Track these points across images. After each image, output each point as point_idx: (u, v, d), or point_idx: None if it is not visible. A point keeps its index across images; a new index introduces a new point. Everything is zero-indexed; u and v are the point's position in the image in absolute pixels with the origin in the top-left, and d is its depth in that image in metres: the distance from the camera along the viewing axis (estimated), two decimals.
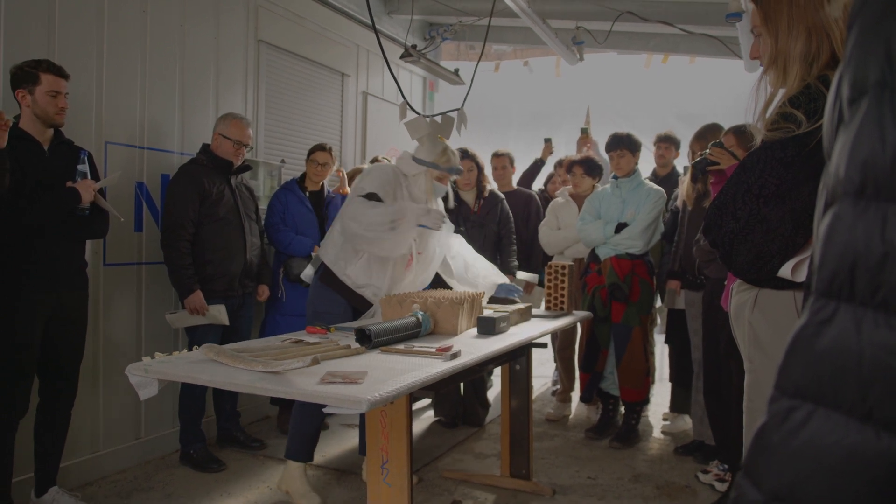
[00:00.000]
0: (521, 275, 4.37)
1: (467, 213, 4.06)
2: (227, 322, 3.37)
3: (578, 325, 4.14)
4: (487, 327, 2.53)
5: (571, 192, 4.44)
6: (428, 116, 4.79)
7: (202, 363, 1.93)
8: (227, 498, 3.02)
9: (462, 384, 4.13)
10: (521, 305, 3.07)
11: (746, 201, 1.53)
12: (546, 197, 5.03)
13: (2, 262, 2.53)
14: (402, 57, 4.88)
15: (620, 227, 3.80)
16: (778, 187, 1.49)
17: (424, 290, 3.05)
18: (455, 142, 4.65)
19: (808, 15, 1.50)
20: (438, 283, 3.39)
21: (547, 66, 7.02)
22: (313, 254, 3.60)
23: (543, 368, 5.56)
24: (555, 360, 4.73)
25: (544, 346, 3.16)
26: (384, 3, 5.45)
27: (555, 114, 8.32)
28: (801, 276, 1.47)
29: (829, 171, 0.65)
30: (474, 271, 3.20)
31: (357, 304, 2.91)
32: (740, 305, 1.69)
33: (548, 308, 3.26)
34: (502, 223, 4.10)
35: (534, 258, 4.54)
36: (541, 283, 4.46)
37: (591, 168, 4.33)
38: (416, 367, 1.91)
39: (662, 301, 4.03)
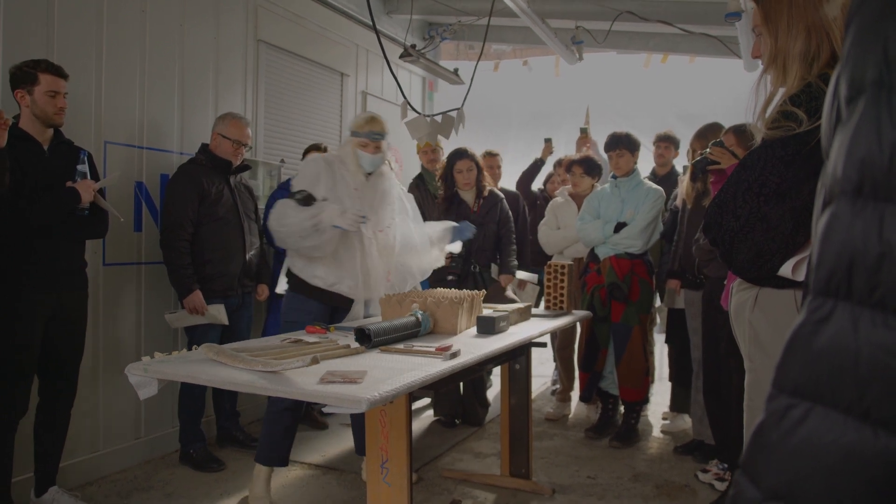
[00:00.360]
0: (521, 274, 4.37)
1: (467, 213, 4.06)
2: (226, 322, 3.37)
3: (578, 324, 4.14)
4: (487, 327, 2.53)
5: (571, 192, 4.44)
6: (428, 116, 4.80)
7: (202, 363, 1.93)
8: (226, 497, 3.02)
9: (461, 384, 4.13)
10: (520, 305, 3.07)
11: (747, 200, 1.53)
12: (545, 196, 5.03)
13: (2, 263, 2.53)
14: (401, 56, 4.88)
15: (620, 227, 3.80)
16: (778, 186, 1.49)
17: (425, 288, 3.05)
18: (454, 141, 4.67)
19: (808, 14, 1.50)
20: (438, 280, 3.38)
21: (546, 65, 7.02)
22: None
23: (543, 368, 5.57)
24: (554, 360, 4.73)
25: (544, 345, 3.16)
26: (383, 3, 5.45)
27: (554, 113, 8.33)
28: (802, 275, 1.47)
29: (826, 170, 0.65)
30: (426, 231, 3.16)
31: (337, 303, 2.89)
32: (741, 304, 1.70)
33: (547, 307, 3.26)
34: (502, 223, 4.10)
35: (524, 257, 4.54)
36: (539, 283, 4.47)
37: (590, 168, 4.34)
38: (416, 366, 1.91)
39: (662, 300, 4.03)
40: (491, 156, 4.76)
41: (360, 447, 3.17)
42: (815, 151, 1.42)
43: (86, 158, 2.75)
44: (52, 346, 2.68)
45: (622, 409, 3.99)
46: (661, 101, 8.12)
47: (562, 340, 4.51)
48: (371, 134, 2.86)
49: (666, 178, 4.33)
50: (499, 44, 6.46)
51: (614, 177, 3.95)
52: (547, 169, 5.38)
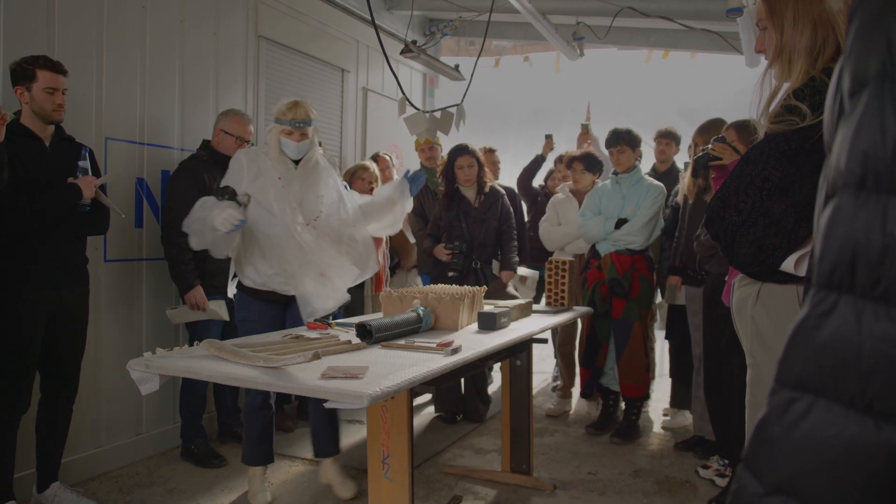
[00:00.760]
0: (522, 270, 4.37)
1: (468, 209, 4.06)
2: (227, 317, 3.37)
3: (579, 320, 4.14)
4: (488, 323, 2.53)
5: (572, 188, 4.43)
6: (427, 112, 4.80)
7: (203, 359, 1.94)
8: (228, 493, 3.03)
9: (462, 380, 4.13)
10: (521, 301, 3.07)
11: (749, 194, 1.52)
12: (546, 193, 5.02)
13: (4, 259, 2.53)
14: (402, 53, 4.88)
15: (621, 223, 3.80)
16: (781, 180, 1.48)
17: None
18: (455, 137, 4.67)
19: (814, 8, 1.50)
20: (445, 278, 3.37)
21: (547, 61, 7.01)
22: None
23: (544, 364, 5.57)
24: (555, 356, 4.73)
25: (545, 341, 3.16)
26: None
27: (555, 109, 8.32)
28: (804, 270, 1.47)
29: (829, 164, 0.65)
30: (370, 200, 3.04)
31: (281, 299, 2.83)
32: (743, 300, 1.69)
33: (548, 304, 3.26)
34: (503, 219, 4.10)
35: (522, 252, 4.53)
36: (540, 278, 4.47)
37: (591, 164, 4.33)
38: (417, 362, 1.91)
39: (663, 297, 4.03)
40: (490, 152, 4.76)
41: (318, 449, 3.05)
42: (819, 146, 1.42)
43: (87, 155, 2.75)
44: (53, 343, 2.68)
45: (623, 405, 3.99)
46: (661, 98, 8.11)
47: (563, 337, 4.51)
48: (294, 122, 2.72)
49: (667, 174, 4.33)
50: (499, 40, 6.44)
51: (615, 173, 3.95)
52: (548, 165, 5.37)
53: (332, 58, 4.87)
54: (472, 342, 2.24)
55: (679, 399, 4.05)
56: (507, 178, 5.06)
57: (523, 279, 4.47)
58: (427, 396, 4.51)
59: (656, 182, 3.92)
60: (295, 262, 2.71)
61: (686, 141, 4.20)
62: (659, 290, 4.09)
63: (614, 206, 3.87)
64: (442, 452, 3.60)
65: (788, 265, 1.51)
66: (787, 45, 1.54)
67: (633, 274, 3.78)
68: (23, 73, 2.54)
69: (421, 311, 2.44)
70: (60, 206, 2.58)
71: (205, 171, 3.33)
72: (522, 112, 8.91)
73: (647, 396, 4.14)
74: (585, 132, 5.26)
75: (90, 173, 2.73)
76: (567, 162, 4.58)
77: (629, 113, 7.38)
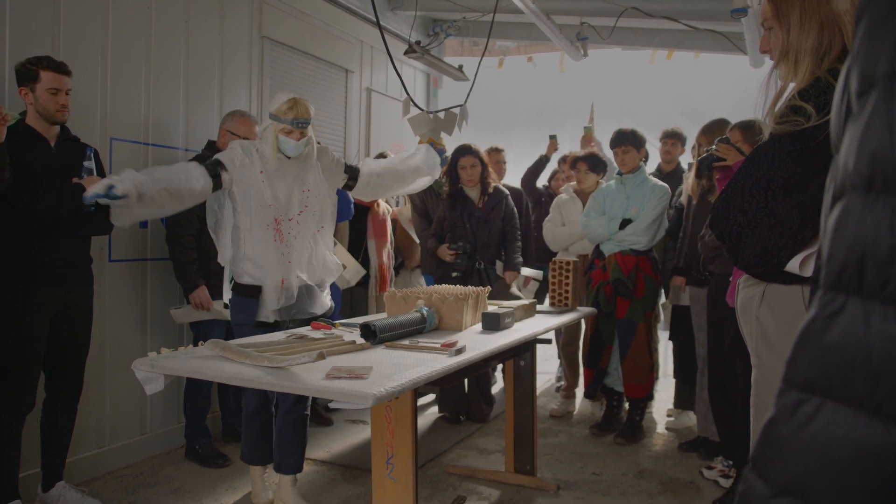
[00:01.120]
0: (526, 271, 4.37)
1: (472, 209, 4.06)
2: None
3: (583, 321, 4.14)
4: (492, 323, 2.53)
5: (576, 189, 4.43)
6: (431, 112, 4.79)
7: (208, 358, 1.94)
8: (232, 493, 3.03)
9: (466, 380, 4.13)
10: (525, 301, 3.07)
11: (754, 195, 1.52)
12: (550, 193, 5.02)
13: (8, 259, 2.54)
14: (405, 53, 4.87)
15: (625, 224, 3.80)
16: (786, 181, 1.48)
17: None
18: (458, 138, 4.66)
19: (821, 8, 1.49)
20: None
21: (551, 62, 6.99)
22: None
23: (547, 364, 5.56)
24: (559, 357, 4.73)
25: (549, 342, 3.16)
26: (388, 0, 5.44)
27: (559, 110, 8.31)
28: (809, 271, 1.46)
29: (837, 165, 0.65)
30: (392, 167, 3.05)
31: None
32: (748, 300, 1.69)
33: (552, 304, 3.26)
34: (507, 219, 4.09)
35: (528, 253, 4.53)
36: (545, 279, 4.46)
37: (595, 164, 4.33)
38: (421, 362, 1.91)
39: (667, 297, 4.02)
40: (496, 151, 4.75)
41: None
42: (824, 146, 1.42)
43: (92, 155, 2.76)
44: (58, 343, 2.69)
45: (627, 405, 3.99)
46: (665, 98, 8.10)
47: (566, 337, 4.51)
48: (295, 122, 2.64)
49: (671, 174, 4.32)
50: (503, 40, 6.44)
51: (619, 173, 3.94)
52: (552, 166, 5.37)
53: (336, 58, 4.87)
54: (476, 342, 2.24)
55: (683, 400, 4.04)
56: (511, 178, 5.06)
57: (526, 281, 4.46)
58: (430, 397, 4.51)
59: (661, 182, 3.92)
60: (277, 259, 2.66)
61: (691, 141, 4.19)
62: (663, 291, 4.09)
63: (619, 206, 3.87)
64: (446, 453, 3.60)
65: (794, 266, 1.51)
66: (793, 46, 1.54)
67: (637, 274, 3.77)
68: (27, 73, 2.54)
69: (425, 312, 2.44)
70: (63, 207, 2.58)
71: None
72: (526, 112, 8.90)
73: (650, 397, 4.13)
74: (588, 135, 5.25)
75: (95, 173, 2.73)
76: (571, 162, 4.58)
77: (633, 113, 7.37)
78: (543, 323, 2.79)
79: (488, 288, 2.92)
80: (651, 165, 4.36)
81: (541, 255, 4.57)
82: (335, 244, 3.16)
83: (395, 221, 4.57)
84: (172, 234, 3.26)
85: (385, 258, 4.24)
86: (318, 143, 2.87)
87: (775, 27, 1.57)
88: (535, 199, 4.95)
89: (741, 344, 1.90)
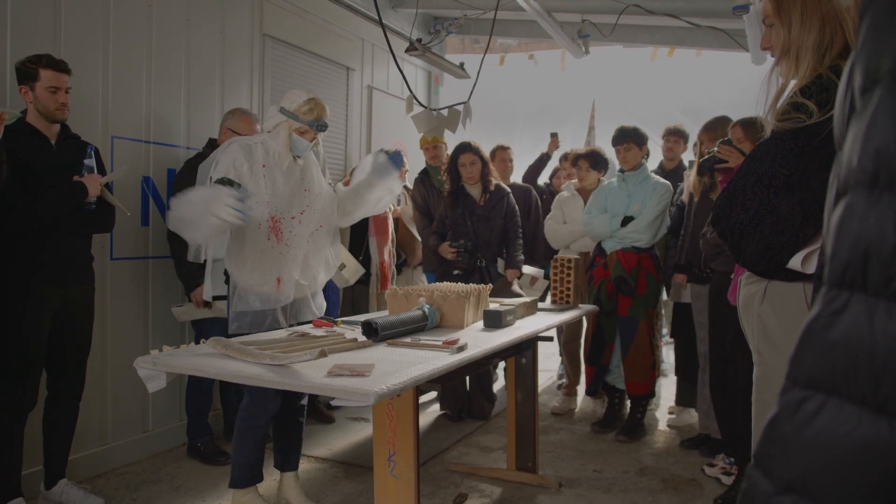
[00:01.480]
0: (527, 269, 4.37)
1: (473, 207, 4.06)
2: None
3: (585, 318, 4.14)
4: (494, 321, 2.53)
5: (577, 186, 4.43)
6: (434, 110, 4.79)
7: (210, 356, 1.94)
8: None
9: (467, 378, 4.13)
10: (526, 299, 3.07)
11: (756, 192, 1.52)
12: (551, 191, 5.02)
13: (9, 257, 2.54)
14: (407, 51, 4.87)
15: (626, 221, 3.80)
16: (788, 178, 1.48)
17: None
18: (460, 135, 4.66)
19: (822, 5, 1.49)
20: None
21: (552, 59, 6.99)
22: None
23: (549, 362, 5.57)
24: (560, 354, 4.73)
25: (550, 339, 3.16)
26: None
27: (560, 107, 8.31)
28: (811, 268, 1.46)
29: (840, 161, 0.64)
30: (357, 182, 2.86)
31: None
32: (749, 297, 1.69)
33: (554, 302, 3.26)
34: (508, 217, 4.09)
35: (536, 251, 4.53)
36: (546, 277, 4.46)
37: (596, 161, 4.33)
38: (423, 359, 1.91)
39: (668, 295, 4.02)
40: (503, 149, 4.75)
41: (282, 461, 2.83)
42: (825, 143, 1.42)
43: (92, 153, 2.76)
44: (59, 341, 2.69)
45: (628, 403, 3.99)
46: (667, 95, 8.10)
47: (568, 334, 4.51)
48: (318, 124, 2.59)
49: (674, 172, 4.32)
50: (504, 38, 6.43)
51: (621, 171, 3.94)
52: (553, 164, 5.37)
53: (338, 56, 4.87)
54: (477, 340, 2.24)
55: (684, 397, 4.04)
56: (514, 175, 5.05)
57: (533, 280, 4.45)
58: (432, 394, 4.51)
59: (662, 180, 3.91)
60: (280, 260, 2.62)
61: (692, 139, 4.19)
62: (664, 288, 4.08)
63: (620, 203, 3.87)
64: (447, 450, 3.60)
65: (795, 263, 1.51)
66: (795, 43, 1.53)
67: (639, 272, 3.77)
68: (26, 72, 2.54)
69: (426, 309, 2.44)
70: (64, 205, 2.58)
71: None
72: (527, 110, 8.90)
73: (652, 394, 4.14)
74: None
75: (96, 171, 2.73)
76: (572, 160, 4.58)
77: (634, 111, 7.36)
78: (545, 320, 2.79)
79: (490, 286, 2.92)
80: (653, 163, 4.36)
81: (549, 254, 4.57)
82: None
83: (397, 220, 4.57)
84: (173, 232, 3.26)
85: (386, 256, 4.24)
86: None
87: (776, 24, 1.57)
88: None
89: (742, 341, 1.90)
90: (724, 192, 1.62)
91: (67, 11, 2.98)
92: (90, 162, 2.73)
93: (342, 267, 3.86)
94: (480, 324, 2.60)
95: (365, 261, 4.12)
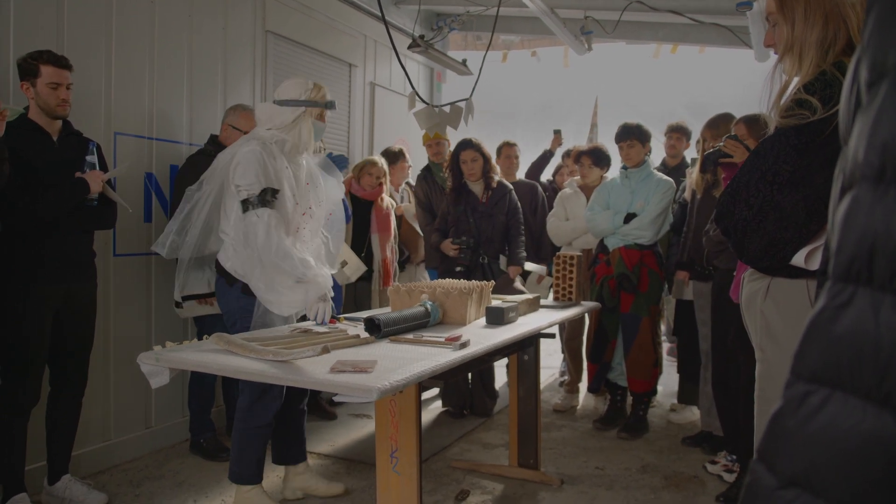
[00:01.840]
0: (530, 266, 4.37)
1: (475, 204, 4.06)
2: None
3: (587, 315, 4.13)
4: (496, 317, 2.53)
5: (580, 183, 4.42)
6: (436, 107, 4.79)
7: (213, 352, 1.94)
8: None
9: (469, 374, 4.14)
10: (529, 296, 3.07)
11: (760, 188, 1.52)
12: (554, 188, 5.01)
13: (11, 254, 2.55)
14: (409, 47, 4.87)
15: (629, 218, 3.79)
16: (792, 174, 1.48)
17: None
18: (462, 132, 4.66)
19: (826, 1, 1.48)
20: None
21: (555, 56, 6.99)
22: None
23: (551, 359, 5.56)
24: (563, 351, 4.73)
25: (552, 336, 3.16)
26: None
27: (563, 104, 8.30)
28: (815, 265, 1.46)
29: (846, 156, 0.64)
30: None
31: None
32: (752, 294, 1.69)
33: (556, 298, 3.26)
34: (511, 214, 4.09)
35: (542, 249, 4.54)
36: (550, 274, 4.46)
37: (598, 158, 4.32)
38: (426, 356, 1.91)
39: (670, 292, 4.02)
40: (509, 146, 4.74)
41: (289, 455, 2.87)
42: (829, 140, 1.41)
43: (94, 149, 2.76)
44: (61, 337, 2.69)
45: (630, 400, 3.99)
46: (670, 92, 8.09)
47: (570, 331, 4.51)
48: (329, 104, 2.60)
49: (677, 168, 4.31)
50: (507, 34, 6.43)
51: (624, 167, 3.94)
52: (556, 160, 5.37)
53: (340, 53, 4.87)
54: (479, 336, 2.24)
55: (686, 394, 4.04)
56: (518, 172, 5.05)
57: (540, 279, 4.45)
58: (434, 391, 4.51)
59: (665, 177, 3.91)
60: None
61: (695, 136, 4.18)
62: (666, 286, 4.08)
63: (623, 200, 3.86)
64: (449, 447, 3.60)
65: (799, 259, 1.51)
66: (798, 39, 1.53)
67: (641, 269, 3.77)
68: (27, 68, 2.54)
69: (429, 306, 2.44)
70: (65, 202, 2.58)
71: None
72: (530, 107, 8.90)
73: (654, 391, 4.14)
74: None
75: (97, 168, 2.73)
76: (575, 157, 4.57)
77: (637, 107, 7.36)
78: (547, 317, 2.79)
79: (492, 282, 2.92)
80: (656, 160, 4.35)
81: (555, 251, 4.56)
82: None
83: (400, 217, 4.57)
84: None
85: (388, 252, 4.24)
86: None
87: (780, 21, 1.56)
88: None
89: (745, 339, 1.90)
90: (727, 188, 1.61)
91: (70, 8, 2.98)
92: (92, 158, 2.73)
93: (344, 264, 3.86)
94: (483, 320, 2.60)
95: (367, 257, 4.12)
